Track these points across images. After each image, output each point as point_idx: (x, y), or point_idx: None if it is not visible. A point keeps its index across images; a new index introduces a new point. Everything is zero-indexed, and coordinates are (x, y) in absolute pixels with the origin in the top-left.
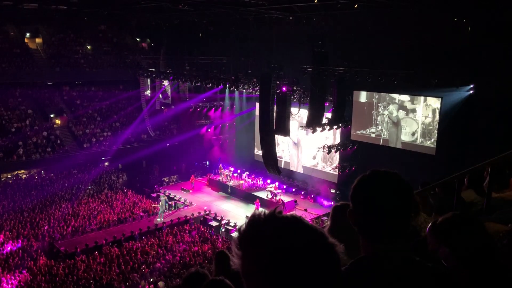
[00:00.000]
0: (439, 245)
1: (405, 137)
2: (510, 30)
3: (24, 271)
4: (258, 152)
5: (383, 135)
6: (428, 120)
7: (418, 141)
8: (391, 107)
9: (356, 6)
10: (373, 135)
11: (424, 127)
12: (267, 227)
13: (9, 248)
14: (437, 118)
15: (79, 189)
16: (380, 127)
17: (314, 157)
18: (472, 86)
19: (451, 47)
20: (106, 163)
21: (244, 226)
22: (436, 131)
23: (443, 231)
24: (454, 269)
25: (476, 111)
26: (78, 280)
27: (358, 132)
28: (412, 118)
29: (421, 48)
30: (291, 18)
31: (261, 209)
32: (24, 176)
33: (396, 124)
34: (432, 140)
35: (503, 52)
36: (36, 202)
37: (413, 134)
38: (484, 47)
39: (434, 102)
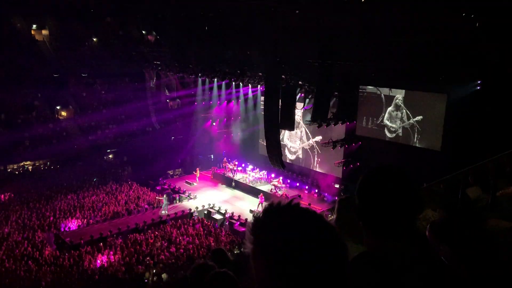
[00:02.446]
0: (439, 243)
1: (408, 132)
2: None
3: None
4: (263, 146)
5: (388, 130)
6: (432, 115)
7: (420, 136)
8: (395, 102)
9: (363, 0)
10: (376, 128)
11: (427, 122)
12: (281, 216)
13: (14, 238)
14: (441, 113)
15: (84, 181)
16: (384, 122)
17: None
18: (479, 82)
19: (458, 43)
20: (110, 156)
21: (259, 213)
22: (441, 127)
23: (443, 229)
24: (455, 266)
25: (483, 107)
26: (83, 271)
27: (362, 126)
28: (415, 113)
29: (428, 43)
30: (297, 12)
31: (278, 199)
32: (30, 167)
33: (400, 119)
34: (437, 135)
35: (510, 47)
36: (41, 193)
37: (415, 129)
38: (491, 42)
39: (440, 98)
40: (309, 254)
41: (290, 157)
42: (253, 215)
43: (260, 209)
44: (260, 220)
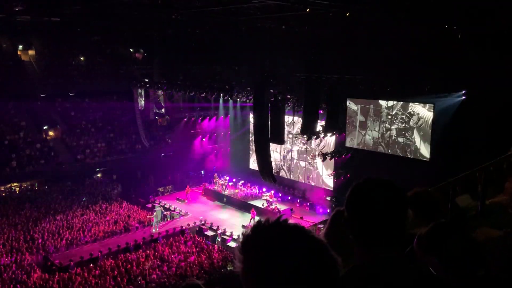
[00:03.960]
0: (427, 254)
1: (397, 143)
2: (500, 36)
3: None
4: (253, 160)
5: (376, 141)
6: (419, 125)
7: (409, 147)
8: (382, 113)
9: (348, 14)
10: (365, 139)
11: (415, 132)
12: (271, 234)
13: (2, 262)
14: (429, 123)
15: (73, 201)
16: (373, 133)
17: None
18: (464, 92)
19: (442, 54)
20: (99, 174)
21: (248, 231)
22: (429, 137)
23: (430, 240)
24: (444, 277)
25: (468, 117)
26: None
27: (351, 138)
28: (403, 124)
29: (413, 55)
30: (283, 27)
31: (266, 217)
32: (17, 188)
33: (389, 130)
34: (425, 145)
35: (494, 58)
36: (29, 214)
37: (404, 139)
38: (475, 53)
39: (427, 108)
40: (300, 271)
41: (280, 171)
42: (242, 234)
43: (252, 224)
44: (249, 239)
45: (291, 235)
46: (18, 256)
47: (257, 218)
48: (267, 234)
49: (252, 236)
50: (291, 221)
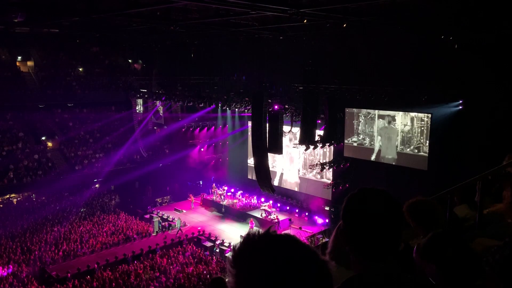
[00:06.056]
0: (425, 263)
1: (395, 152)
2: (496, 46)
3: None
4: (252, 170)
5: (375, 151)
6: (417, 135)
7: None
8: (380, 123)
9: (344, 25)
10: (363, 149)
11: (412, 142)
12: (261, 245)
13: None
14: (426, 133)
15: (70, 212)
16: (371, 143)
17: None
18: (461, 101)
19: (439, 64)
20: (97, 185)
21: (238, 245)
22: (427, 146)
23: (428, 249)
24: (442, 286)
25: (466, 126)
26: None
27: (350, 148)
28: (400, 133)
29: (410, 65)
30: (281, 38)
31: (255, 228)
32: (15, 199)
33: (387, 140)
34: (423, 155)
35: (490, 67)
36: (27, 226)
37: (402, 149)
38: (471, 63)
39: (424, 118)
40: (293, 280)
41: (279, 181)
42: (232, 247)
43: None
44: (240, 252)
45: (282, 246)
46: (15, 267)
47: (255, 229)
48: (258, 247)
49: (243, 249)
50: (288, 231)
